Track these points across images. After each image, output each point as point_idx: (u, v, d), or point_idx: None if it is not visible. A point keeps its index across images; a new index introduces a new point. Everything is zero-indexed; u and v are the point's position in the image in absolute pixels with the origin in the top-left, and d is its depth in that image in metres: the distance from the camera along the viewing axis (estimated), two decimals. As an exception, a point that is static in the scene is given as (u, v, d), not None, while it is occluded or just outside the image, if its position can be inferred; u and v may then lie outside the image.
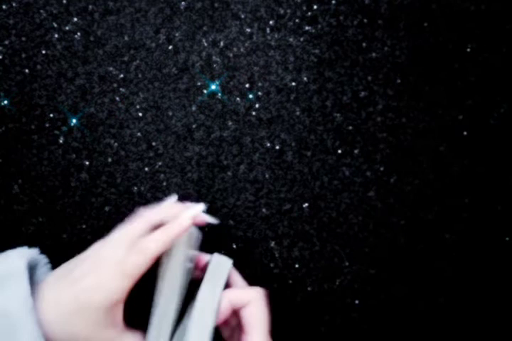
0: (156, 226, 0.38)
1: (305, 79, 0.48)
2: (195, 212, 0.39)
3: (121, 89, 0.48)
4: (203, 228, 0.48)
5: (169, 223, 0.37)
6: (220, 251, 0.48)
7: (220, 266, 0.40)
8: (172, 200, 0.44)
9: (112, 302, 0.34)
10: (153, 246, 0.35)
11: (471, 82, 0.48)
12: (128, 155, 0.48)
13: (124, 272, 0.34)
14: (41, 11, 0.48)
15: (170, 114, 0.48)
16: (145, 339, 0.37)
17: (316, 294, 0.48)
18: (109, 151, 0.48)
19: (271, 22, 0.48)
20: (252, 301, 0.38)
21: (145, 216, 0.38)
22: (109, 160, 0.48)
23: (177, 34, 0.48)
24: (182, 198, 0.48)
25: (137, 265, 0.35)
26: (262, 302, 0.39)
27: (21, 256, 0.36)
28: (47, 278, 0.37)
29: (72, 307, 0.34)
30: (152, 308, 0.38)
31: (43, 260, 0.41)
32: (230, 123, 0.48)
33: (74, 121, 0.48)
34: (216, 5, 0.47)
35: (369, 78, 0.48)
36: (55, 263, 0.46)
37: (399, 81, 0.48)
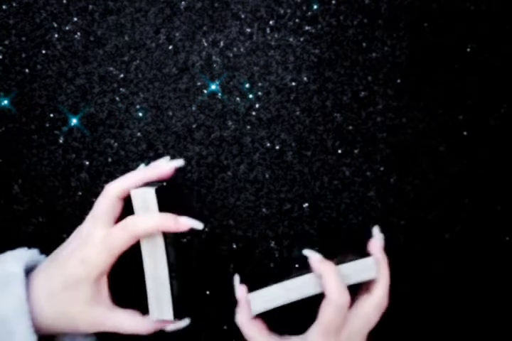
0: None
1: (305, 79, 0.48)
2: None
3: (121, 89, 0.48)
4: (203, 229, 0.48)
5: (165, 214, 0.38)
6: (220, 251, 0.48)
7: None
8: (140, 167, 0.45)
9: (95, 275, 0.36)
10: (137, 225, 0.37)
11: (471, 82, 0.48)
12: (128, 155, 0.48)
13: (108, 246, 0.36)
14: (41, 10, 0.48)
15: (170, 113, 0.48)
16: (148, 315, 0.39)
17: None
18: (109, 151, 0.48)
19: (271, 22, 0.48)
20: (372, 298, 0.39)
21: (109, 191, 0.39)
22: (109, 160, 0.48)
23: (177, 34, 0.48)
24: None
25: (121, 239, 0.36)
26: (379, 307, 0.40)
27: (18, 260, 0.37)
28: (38, 266, 0.38)
29: (60, 285, 0.36)
30: (145, 285, 0.38)
31: (42, 260, 0.41)
32: (230, 123, 0.48)
33: (74, 121, 0.48)
34: (216, 5, 0.47)
35: (369, 78, 0.48)
36: (55, 263, 0.46)
37: (399, 81, 0.48)
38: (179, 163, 0.42)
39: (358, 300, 0.40)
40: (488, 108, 0.49)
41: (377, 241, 0.42)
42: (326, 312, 0.37)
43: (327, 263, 0.38)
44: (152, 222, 0.37)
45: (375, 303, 0.39)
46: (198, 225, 0.39)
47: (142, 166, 0.45)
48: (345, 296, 0.37)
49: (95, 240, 0.36)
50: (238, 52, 0.48)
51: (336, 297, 0.37)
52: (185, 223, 0.38)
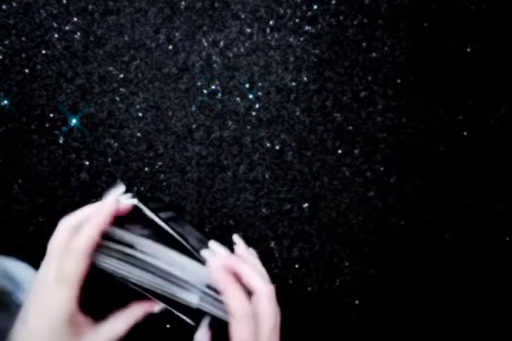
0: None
1: (305, 79, 0.48)
2: (117, 193, 0.36)
3: (121, 89, 0.48)
4: (204, 228, 0.48)
5: (93, 216, 0.35)
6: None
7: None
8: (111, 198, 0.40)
9: (64, 321, 0.32)
10: (78, 242, 0.33)
11: (471, 82, 0.48)
12: (128, 155, 0.48)
13: (63, 281, 0.32)
14: (41, 11, 0.48)
15: (170, 114, 0.48)
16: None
17: (316, 294, 0.49)
18: (109, 151, 0.48)
19: (271, 22, 0.48)
20: (259, 293, 0.36)
21: (64, 222, 0.36)
22: (109, 160, 0.48)
23: (177, 34, 0.48)
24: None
25: (75, 267, 0.32)
26: (268, 297, 0.36)
27: None
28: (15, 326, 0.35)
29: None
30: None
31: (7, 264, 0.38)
32: (230, 123, 0.48)
33: (74, 121, 0.48)
34: (216, 5, 0.47)
35: (369, 78, 0.48)
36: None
37: (399, 81, 0.48)
38: (117, 192, 0.37)
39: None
40: (488, 108, 0.49)
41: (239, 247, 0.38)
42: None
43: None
44: (90, 228, 0.33)
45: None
46: (119, 189, 0.35)
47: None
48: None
49: (48, 284, 0.33)
50: (238, 52, 0.48)
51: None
52: (109, 200, 0.34)
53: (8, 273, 0.38)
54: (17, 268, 0.40)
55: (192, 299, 0.35)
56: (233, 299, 0.35)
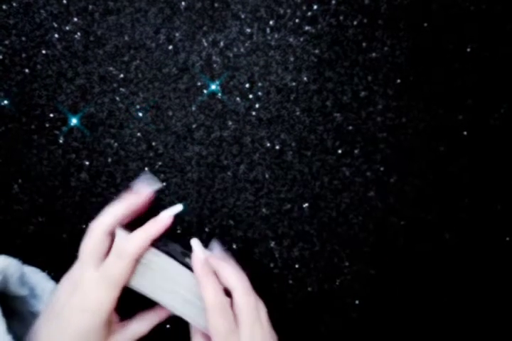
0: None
1: (305, 79, 0.48)
2: (175, 210, 0.40)
3: (121, 89, 0.48)
4: (203, 228, 0.48)
5: (147, 223, 0.37)
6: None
7: None
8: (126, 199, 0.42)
9: (102, 320, 0.33)
10: (131, 247, 0.35)
11: (471, 82, 0.48)
12: (128, 155, 0.48)
13: (106, 283, 0.33)
14: (41, 10, 0.48)
15: (170, 113, 0.48)
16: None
17: (316, 294, 0.49)
18: (109, 151, 0.48)
19: (271, 22, 0.48)
20: (235, 289, 0.36)
21: (94, 229, 0.37)
22: (109, 160, 0.48)
23: (177, 34, 0.48)
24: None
25: (120, 269, 0.34)
26: (243, 291, 0.36)
27: None
28: (37, 322, 0.35)
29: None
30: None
31: (12, 267, 0.38)
32: (230, 123, 0.48)
33: (74, 121, 0.48)
34: (216, 5, 0.47)
35: (369, 78, 0.48)
36: (55, 263, 0.46)
37: (399, 81, 0.48)
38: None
39: None
40: (488, 108, 0.49)
41: (197, 255, 0.39)
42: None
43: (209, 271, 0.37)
44: (143, 235, 0.35)
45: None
46: (178, 207, 0.39)
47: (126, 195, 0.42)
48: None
49: (88, 284, 0.33)
50: (238, 52, 0.48)
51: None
52: (167, 215, 0.38)
53: (25, 280, 0.39)
54: (34, 275, 0.41)
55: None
56: (208, 290, 0.36)
